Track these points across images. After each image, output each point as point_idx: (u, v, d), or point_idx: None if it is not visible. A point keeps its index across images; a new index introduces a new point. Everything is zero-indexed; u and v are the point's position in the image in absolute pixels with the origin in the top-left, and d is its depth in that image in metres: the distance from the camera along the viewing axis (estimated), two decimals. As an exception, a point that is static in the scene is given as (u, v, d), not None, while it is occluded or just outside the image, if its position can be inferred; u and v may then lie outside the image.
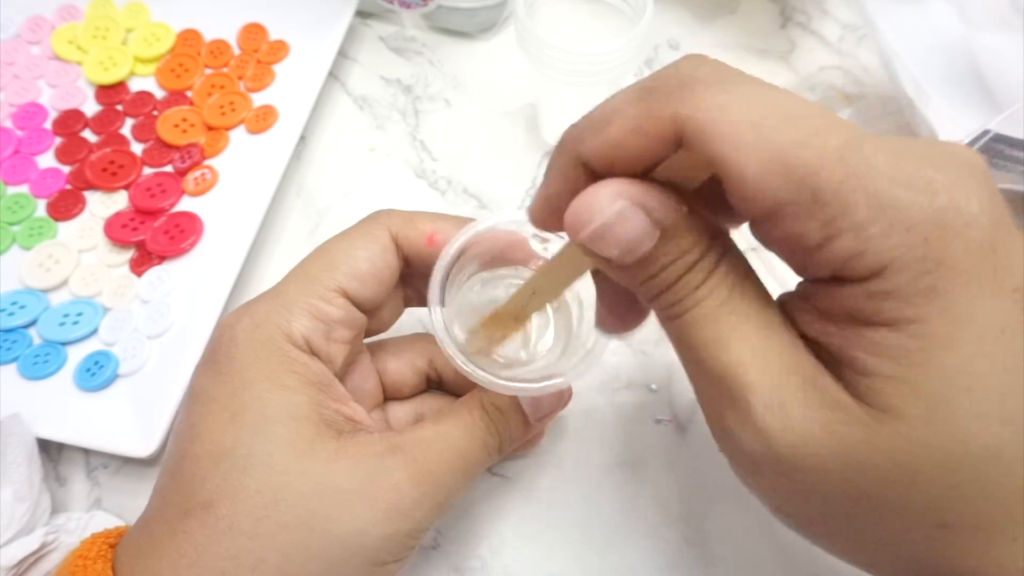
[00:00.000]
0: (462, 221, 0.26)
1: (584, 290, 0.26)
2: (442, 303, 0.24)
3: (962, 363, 0.14)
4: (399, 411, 0.28)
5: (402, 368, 0.28)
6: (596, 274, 0.21)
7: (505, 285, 0.28)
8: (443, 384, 0.29)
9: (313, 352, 0.24)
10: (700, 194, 0.17)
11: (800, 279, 0.17)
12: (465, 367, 0.23)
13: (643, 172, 0.17)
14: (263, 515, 0.21)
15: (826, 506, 0.16)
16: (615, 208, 0.16)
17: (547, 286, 0.22)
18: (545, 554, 0.29)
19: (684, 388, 0.33)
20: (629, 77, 0.35)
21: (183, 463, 0.22)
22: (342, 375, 0.25)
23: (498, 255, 0.27)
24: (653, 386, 0.33)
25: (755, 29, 0.45)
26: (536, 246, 0.26)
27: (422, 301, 0.28)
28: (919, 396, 0.14)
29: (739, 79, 0.16)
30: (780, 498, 0.17)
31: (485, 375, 0.23)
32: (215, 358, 0.23)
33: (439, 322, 0.24)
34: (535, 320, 0.27)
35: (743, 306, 0.17)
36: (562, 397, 0.27)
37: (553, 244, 0.26)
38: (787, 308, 0.17)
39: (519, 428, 0.26)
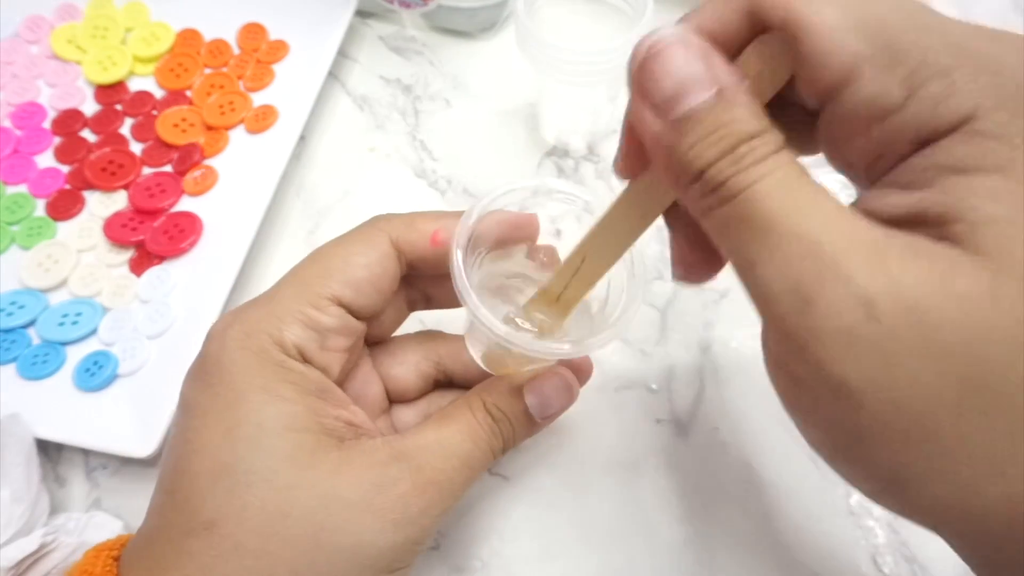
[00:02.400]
0: (461, 216, 0.25)
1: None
2: (470, 284, 0.22)
3: None
4: (406, 415, 0.27)
5: (406, 373, 0.27)
6: (669, 214, 0.19)
7: (517, 262, 0.27)
8: (452, 381, 0.28)
9: (307, 361, 0.23)
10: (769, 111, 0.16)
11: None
12: (495, 329, 0.22)
13: None
14: (269, 532, 0.20)
15: (951, 381, 0.13)
16: (674, 34, 0.15)
17: (601, 248, 0.20)
18: (545, 554, 0.29)
19: (684, 388, 0.33)
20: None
21: (181, 481, 0.21)
22: (341, 382, 0.24)
23: (506, 234, 0.25)
24: (653, 386, 0.33)
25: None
26: (545, 224, 0.25)
27: (428, 303, 0.28)
28: None
29: None
30: (892, 386, 0.13)
31: (516, 335, 0.22)
32: (205, 369, 0.22)
33: (475, 302, 0.22)
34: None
35: (816, 186, 0.15)
36: (570, 394, 0.26)
37: (565, 237, 0.25)
38: (861, 204, 0.16)
39: (523, 427, 0.25)
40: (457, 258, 0.22)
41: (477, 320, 0.22)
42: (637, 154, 0.18)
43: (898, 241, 0.14)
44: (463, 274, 0.22)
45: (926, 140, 0.14)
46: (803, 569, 0.29)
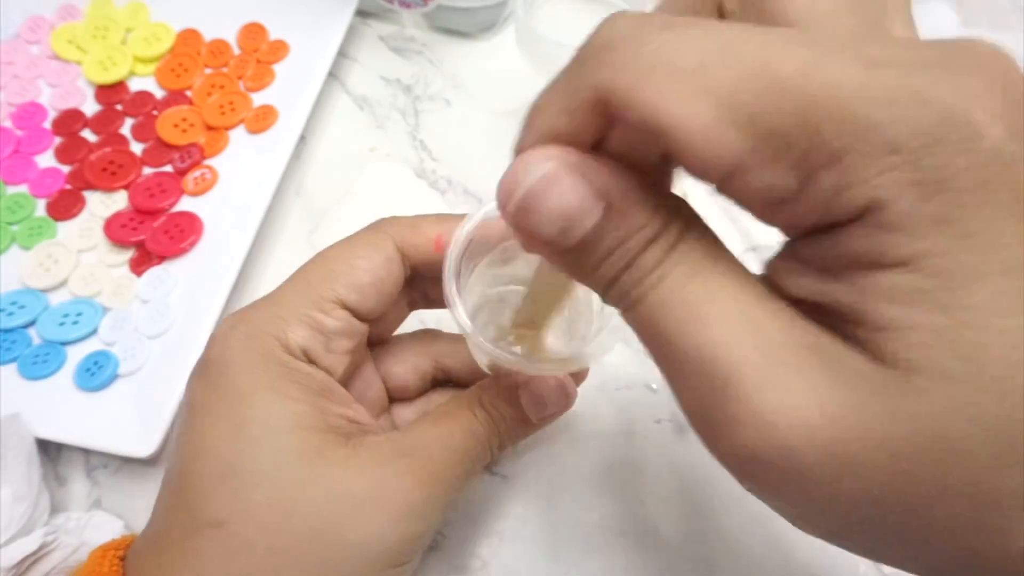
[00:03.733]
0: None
1: None
2: (459, 295, 0.23)
3: (992, 300, 0.12)
4: (405, 413, 0.28)
5: (406, 372, 0.28)
6: None
7: (520, 267, 0.27)
8: (450, 379, 0.29)
9: (312, 362, 0.23)
10: (663, 165, 0.15)
11: (784, 239, 0.15)
12: (501, 353, 0.22)
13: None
14: (277, 530, 0.20)
15: (855, 503, 0.13)
16: (543, 169, 0.14)
17: (542, 300, 0.22)
18: (545, 554, 0.29)
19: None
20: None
21: (187, 481, 0.21)
22: (345, 382, 0.25)
23: (502, 240, 0.26)
24: (653, 386, 0.33)
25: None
26: None
27: (428, 303, 0.28)
28: (948, 346, 0.12)
29: (664, 26, 0.13)
30: (799, 504, 0.14)
31: (510, 356, 0.22)
32: (209, 369, 0.23)
33: (462, 316, 0.22)
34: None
35: (716, 279, 0.14)
36: (567, 398, 0.26)
37: None
38: (773, 274, 0.15)
39: (519, 427, 0.25)
40: (451, 285, 0.23)
41: (469, 342, 0.22)
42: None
43: (797, 350, 0.13)
44: (458, 302, 0.22)
45: (830, 225, 0.13)
46: (803, 569, 0.29)
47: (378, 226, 0.25)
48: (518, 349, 0.23)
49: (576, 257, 0.15)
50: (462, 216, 0.25)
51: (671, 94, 0.12)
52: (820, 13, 0.16)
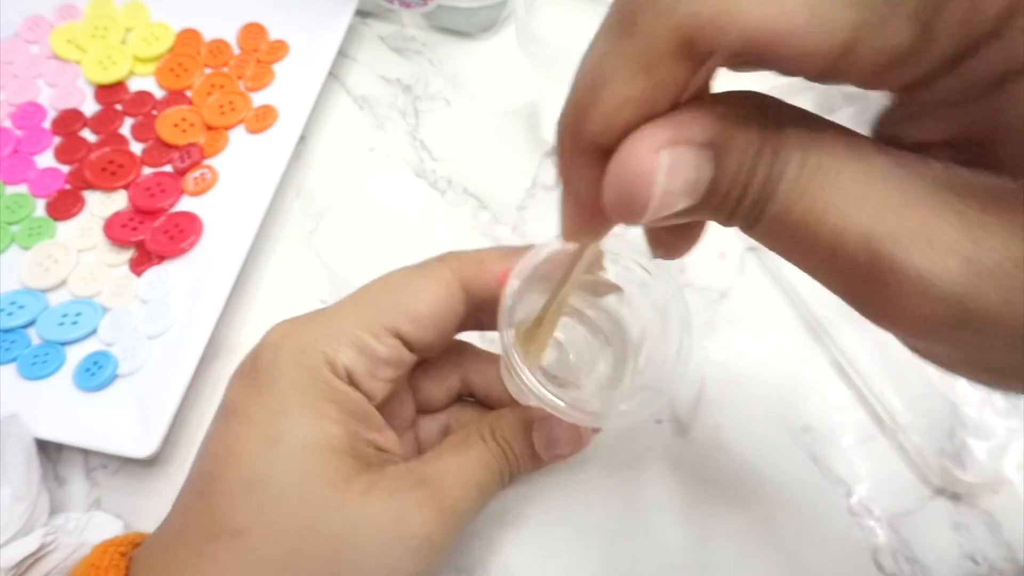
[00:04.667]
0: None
1: (648, 323, 0.26)
2: (511, 326, 0.23)
3: None
4: (429, 425, 0.28)
5: (436, 389, 0.28)
6: None
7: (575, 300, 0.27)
8: (474, 395, 0.29)
9: (353, 384, 0.23)
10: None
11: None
12: (542, 394, 0.22)
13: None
14: (295, 548, 0.21)
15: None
16: (663, 165, 0.13)
17: (568, 280, 0.22)
18: (545, 554, 0.29)
19: (684, 388, 0.33)
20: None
21: (214, 484, 0.21)
22: (381, 408, 0.25)
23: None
24: (653, 386, 0.33)
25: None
26: (608, 261, 0.25)
27: (479, 327, 0.27)
28: None
29: None
30: (977, 347, 0.13)
31: (561, 404, 0.22)
32: (256, 376, 0.23)
33: (511, 348, 0.23)
34: (581, 343, 0.27)
35: (828, 158, 0.13)
36: (579, 441, 0.26)
37: (623, 258, 0.25)
38: (887, 127, 0.14)
39: (528, 462, 0.26)
40: (506, 328, 0.23)
41: (507, 377, 0.23)
42: (593, 219, 0.16)
43: (933, 202, 0.12)
44: (516, 356, 0.22)
45: (957, 58, 0.12)
46: (803, 569, 0.29)
47: (443, 260, 0.25)
48: (566, 398, 0.23)
49: (700, 208, 0.14)
50: (524, 247, 0.24)
51: (767, 1, 0.11)
52: None
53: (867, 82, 0.13)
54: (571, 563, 0.29)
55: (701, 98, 0.14)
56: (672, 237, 0.19)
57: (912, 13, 0.11)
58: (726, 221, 0.14)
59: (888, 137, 0.13)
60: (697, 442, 0.31)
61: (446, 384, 0.28)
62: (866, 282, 0.13)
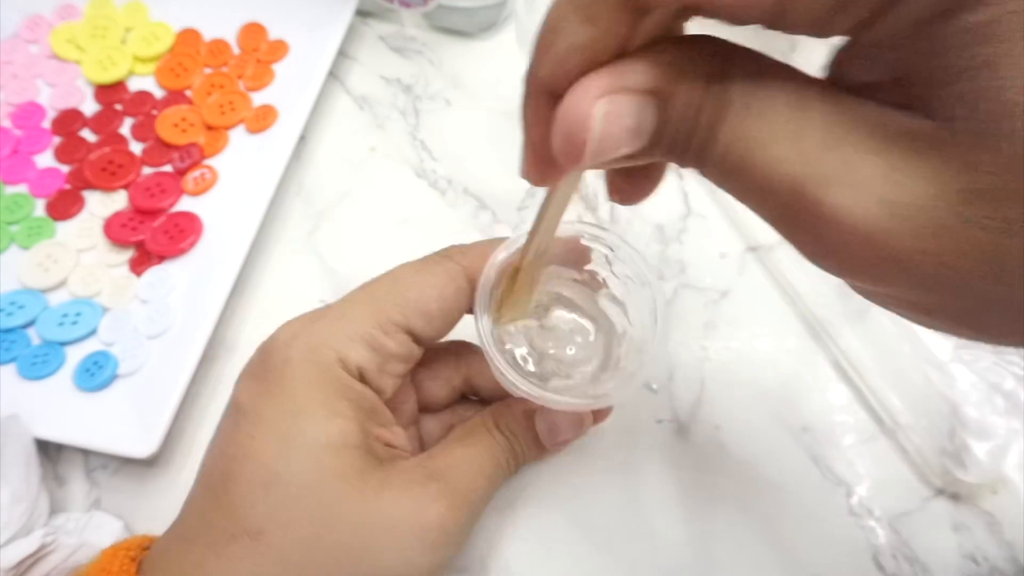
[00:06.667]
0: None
1: (626, 313, 0.26)
2: (489, 315, 0.23)
3: None
4: (431, 424, 0.28)
5: (439, 387, 0.28)
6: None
7: (563, 284, 0.27)
8: (477, 394, 0.29)
9: (364, 381, 0.23)
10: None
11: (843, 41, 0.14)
12: (519, 385, 0.23)
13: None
14: (314, 545, 0.21)
15: (945, 267, 0.12)
16: (599, 113, 0.14)
17: (542, 226, 0.21)
18: (545, 554, 0.29)
19: (684, 388, 0.33)
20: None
21: (229, 485, 0.21)
22: (389, 403, 0.25)
23: (556, 258, 0.26)
24: (653, 386, 0.33)
25: (756, 28, 0.45)
26: (593, 245, 0.25)
27: None
28: None
29: None
30: (908, 286, 0.13)
31: (536, 390, 0.23)
32: (267, 376, 0.23)
33: (488, 337, 0.23)
34: (569, 328, 0.27)
35: (765, 101, 0.13)
36: (581, 425, 0.27)
37: (620, 249, 0.25)
38: (837, 69, 0.14)
39: (532, 450, 0.26)
40: (482, 319, 0.23)
41: (503, 379, 0.23)
42: (547, 164, 0.17)
43: (856, 137, 0.12)
44: (494, 347, 0.23)
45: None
46: (803, 569, 0.29)
47: (449, 254, 0.25)
48: (547, 388, 0.23)
49: (647, 151, 0.15)
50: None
51: None
52: None
53: (814, 28, 0.13)
54: (571, 563, 0.29)
55: (653, 46, 0.14)
56: (626, 183, 0.19)
57: None
58: (679, 162, 0.15)
59: (838, 78, 0.14)
60: (697, 442, 0.31)
61: (449, 383, 0.28)
62: (796, 222, 0.13)
